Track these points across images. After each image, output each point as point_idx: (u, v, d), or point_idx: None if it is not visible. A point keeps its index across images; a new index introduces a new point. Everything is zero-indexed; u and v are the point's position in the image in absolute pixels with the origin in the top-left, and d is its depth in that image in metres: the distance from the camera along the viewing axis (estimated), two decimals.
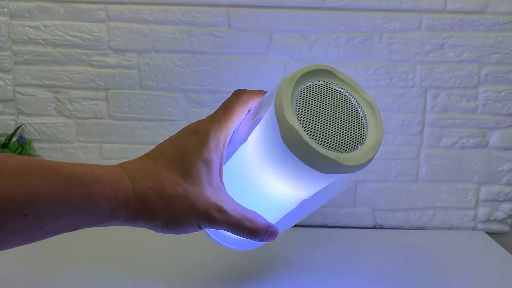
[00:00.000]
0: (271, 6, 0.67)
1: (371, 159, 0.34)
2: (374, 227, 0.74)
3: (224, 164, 0.38)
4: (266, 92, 0.40)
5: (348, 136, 0.34)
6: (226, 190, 0.38)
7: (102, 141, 0.71)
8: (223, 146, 0.36)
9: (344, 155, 0.33)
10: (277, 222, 0.41)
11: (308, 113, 0.34)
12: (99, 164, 0.34)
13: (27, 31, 0.68)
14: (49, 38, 0.68)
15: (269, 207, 0.39)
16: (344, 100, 0.36)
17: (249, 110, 0.40)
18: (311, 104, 0.34)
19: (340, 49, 0.68)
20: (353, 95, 0.37)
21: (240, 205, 0.37)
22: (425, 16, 0.68)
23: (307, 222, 0.72)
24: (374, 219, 0.73)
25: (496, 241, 0.68)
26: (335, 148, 0.33)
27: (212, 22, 0.68)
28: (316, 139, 0.33)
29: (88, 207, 0.31)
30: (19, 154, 0.67)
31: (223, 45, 0.68)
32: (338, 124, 0.34)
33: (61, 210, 0.29)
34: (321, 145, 0.33)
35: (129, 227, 0.35)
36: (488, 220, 0.73)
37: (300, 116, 0.33)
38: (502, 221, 0.73)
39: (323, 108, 0.34)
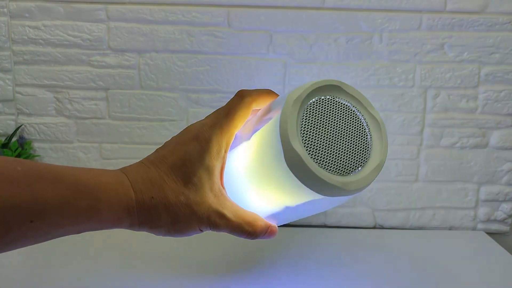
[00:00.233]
0: (271, 6, 0.67)
1: (373, 180, 0.34)
2: (374, 227, 0.74)
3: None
4: (268, 90, 0.40)
5: (352, 157, 0.34)
6: (226, 188, 0.38)
7: (102, 141, 0.71)
8: (225, 152, 0.37)
9: (346, 179, 0.33)
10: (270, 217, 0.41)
11: (313, 133, 0.33)
12: (103, 168, 0.35)
13: (27, 31, 0.68)
14: (49, 38, 0.68)
15: (260, 210, 0.40)
16: (351, 116, 0.36)
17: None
18: (317, 123, 0.34)
19: (340, 49, 0.68)
20: (361, 111, 0.36)
21: (240, 208, 0.38)
22: (425, 16, 0.68)
23: (307, 222, 0.72)
24: (374, 219, 0.73)
25: (496, 241, 0.68)
26: (338, 171, 0.34)
27: (212, 22, 0.68)
28: (319, 162, 0.33)
29: (93, 216, 0.31)
30: (19, 154, 0.67)
31: (223, 45, 0.68)
32: (343, 144, 0.34)
33: (67, 219, 0.30)
34: (325, 168, 0.33)
35: None
36: (488, 220, 0.73)
37: (304, 137, 0.33)
38: (502, 221, 0.73)
39: (328, 126, 0.34)
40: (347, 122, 0.35)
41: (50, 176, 0.30)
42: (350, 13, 0.67)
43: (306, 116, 0.34)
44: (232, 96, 0.39)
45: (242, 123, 0.38)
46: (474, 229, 0.73)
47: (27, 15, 0.67)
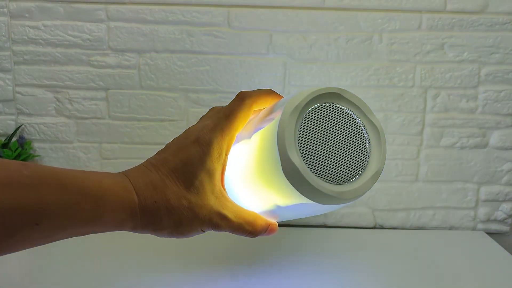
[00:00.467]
0: (271, 6, 0.67)
1: (371, 185, 0.35)
2: (374, 227, 0.74)
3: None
4: (269, 90, 0.40)
5: (349, 165, 0.34)
6: (226, 187, 0.39)
7: (102, 141, 0.71)
8: (226, 154, 0.37)
9: (343, 188, 0.34)
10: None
11: (311, 142, 0.34)
12: (106, 172, 0.35)
13: (27, 31, 0.68)
14: (49, 38, 0.68)
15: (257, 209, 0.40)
16: (350, 123, 0.35)
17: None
18: (315, 131, 0.34)
19: (340, 49, 0.68)
20: (360, 117, 0.36)
21: (241, 208, 0.39)
22: (425, 16, 0.68)
23: (307, 222, 0.72)
24: (374, 219, 0.73)
25: (496, 241, 0.68)
26: (335, 181, 0.34)
27: (212, 22, 0.68)
28: (316, 171, 0.33)
29: (96, 219, 0.32)
30: (19, 154, 0.67)
31: (223, 45, 0.68)
32: (341, 153, 0.34)
33: (71, 222, 0.31)
34: (321, 178, 0.33)
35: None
36: (488, 220, 0.73)
37: (302, 146, 0.33)
38: (502, 221, 0.73)
39: (327, 135, 0.34)
40: (346, 129, 0.35)
41: (55, 180, 0.30)
42: (350, 13, 0.67)
43: (304, 125, 0.34)
44: (232, 96, 0.39)
45: (243, 125, 0.38)
46: (474, 229, 0.73)
47: (27, 15, 0.67)
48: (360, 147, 0.35)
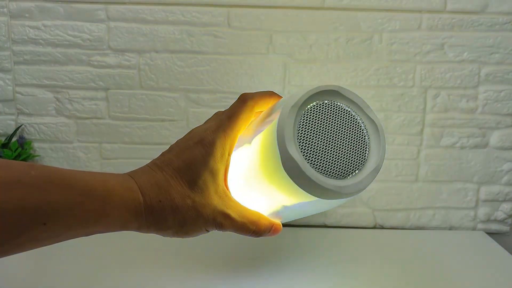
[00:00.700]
0: (271, 6, 0.67)
1: (371, 180, 0.35)
2: (374, 227, 0.74)
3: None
4: (270, 92, 0.40)
5: (349, 161, 0.35)
6: (230, 188, 0.39)
7: (102, 141, 0.71)
8: (229, 154, 0.38)
9: (343, 182, 0.34)
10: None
11: (310, 138, 0.34)
12: (111, 173, 0.36)
13: (27, 31, 0.68)
14: (49, 38, 0.68)
15: (266, 209, 0.40)
16: (349, 120, 0.36)
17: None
18: (314, 128, 0.34)
19: (340, 49, 0.68)
20: (359, 114, 0.36)
21: (245, 208, 0.39)
22: (425, 16, 0.68)
23: (307, 222, 0.72)
24: (374, 219, 0.73)
25: (496, 241, 0.68)
26: (335, 175, 0.34)
27: (212, 22, 0.68)
28: (316, 166, 0.34)
29: (101, 219, 0.32)
30: (19, 154, 0.67)
31: (223, 45, 0.68)
32: (340, 148, 0.35)
33: (77, 221, 0.31)
34: (321, 172, 0.34)
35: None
36: (488, 220, 0.73)
37: (301, 142, 0.34)
38: (502, 221, 0.73)
39: (326, 131, 0.35)
40: (345, 125, 0.36)
41: (61, 181, 0.31)
42: (350, 13, 0.67)
43: (303, 122, 0.34)
44: (232, 96, 0.41)
45: (245, 126, 0.39)
46: (474, 229, 0.73)
47: (27, 15, 0.67)
48: (359, 143, 0.36)
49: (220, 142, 0.37)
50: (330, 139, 0.35)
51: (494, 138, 0.71)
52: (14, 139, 0.69)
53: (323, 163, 0.34)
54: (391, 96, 0.69)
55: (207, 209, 0.36)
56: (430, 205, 0.73)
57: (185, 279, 0.53)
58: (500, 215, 0.73)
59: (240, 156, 0.39)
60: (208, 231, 0.38)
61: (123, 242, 0.62)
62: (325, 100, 0.36)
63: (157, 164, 0.37)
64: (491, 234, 0.72)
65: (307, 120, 0.34)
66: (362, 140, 0.36)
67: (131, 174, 0.36)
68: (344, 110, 0.36)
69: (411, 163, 0.71)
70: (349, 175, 0.35)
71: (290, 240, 0.65)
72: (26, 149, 0.69)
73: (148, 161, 0.39)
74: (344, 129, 0.35)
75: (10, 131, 0.69)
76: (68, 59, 0.69)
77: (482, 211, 0.73)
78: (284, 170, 0.33)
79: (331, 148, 0.34)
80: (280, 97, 0.41)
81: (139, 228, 0.35)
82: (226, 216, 0.37)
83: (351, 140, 0.35)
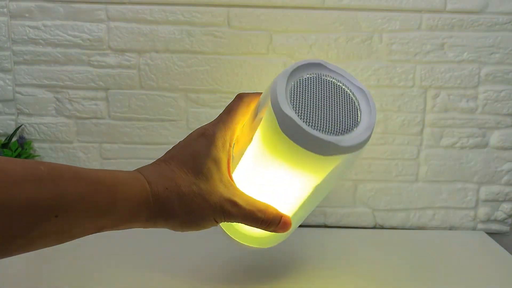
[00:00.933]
0: (271, 6, 0.67)
1: (367, 139, 0.36)
2: (374, 227, 0.74)
3: (234, 167, 0.40)
4: None
5: (342, 120, 0.36)
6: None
7: (102, 141, 0.71)
8: (230, 145, 0.39)
9: (340, 137, 0.35)
10: (293, 214, 0.42)
11: (302, 103, 0.35)
12: (112, 169, 0.36)
13: (27, 31, 0.68)
14: (49, 38, 0.68)
15: (283, 201, 0.41)
16: (337, 88, 0.38)
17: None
18: (305, 95, 0.36)
19: (340, 49, 0.68)
20: (345, 84, 0.38)
21: (252, 197, 0.39)
22: (425, 16, 0.68)
23: (307, 222, 0.72)
24: (374, 219, 0.73)
25: (496, 241, 0.68)
26: (331, 132, 0.35)
27: (212, 22, 0.68)
28: (312, 125, 0.35)
29: (112, 208, 0.33)
30: (19, 154, 0.67)
31: (223, 45, 0.68)
32: (332, 110, 0.36)
33: (88, 212, 0.32)
34: (318, 130, 0.35)
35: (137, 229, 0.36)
36: (488, 220, 0.73)
37: (295, 106, 0.35)
38: (502, 221, 0.73)
39: (317, 97, 0.36)
40: (334, 93, 0.37)
41: (71, 174, 0.32)
42: (350, 13, 0.67)
43: (294, 90, 0.36)
44: (232, 96, 0.41)
45: (243, 119, 0.40)
46: (474, 229, 0.73)
47: (27, 15, 0.67)
48: (349, 106, 0.37)
49: (221, 133, 0.38)
50: (322, 103, 0.36)
51: (494, 138, 0.71)
52: (14, 139, 0.69)
53: (318, 122, 0.35)
54: (391, 96, 0.69)
55: (213, 196, 0.37)
56: (430, 205, 0.73)
57: (184, 280, 0.53)
58: (500, 215, 0.73)
59: (245, 158, 0.40)
60: (216, 221, 0.38)
61: (123, 243, 0.62)
62: (312, 74, 0.37)
63: (162, 159, 0.38)
64: (491, 234, 0.72)
65: (297, 87, 0.36)
66: (351, 104, 0.37)
67: (137, 169, 0.37)
68: (330, 81, 0.38)
69: (411, 163, 0.71)
70: (345, 132, 0.35)
71: (290, 240, 0.65)
72: (26, 149, 0.69)
73: (148, 161, 0.39)
74: (334, 96, 0.37)
75: (10, 131, 0.69)
76: (68, 59, 0.69)
77: (482, 211, 0.73)
78: (282, 132, 0.34)
79: (323, 110, 0.36)
80: None
81: (147, 219, 0.35)
82: (233, 203, 0.37)
83: (341, 104, 0.37)
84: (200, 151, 0.38)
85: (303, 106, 0.35)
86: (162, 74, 0.69)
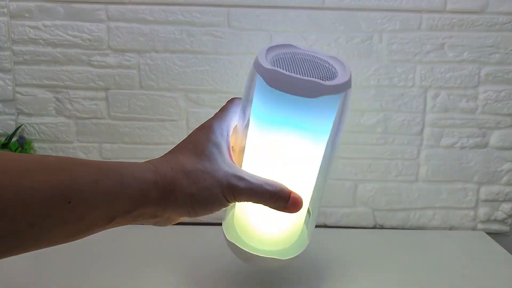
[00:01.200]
0: (271, 6, 0.67)
1: (348, 82, 0.39)
2: (374, 227, 0.74)
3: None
4: None
5: (321, 73, 0.39)
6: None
7: (102, 141, 0.71)
8: (227, 134, 0.41)
9: (323, 80, 0.38)
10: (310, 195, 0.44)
11: (284, 67, 0.38)
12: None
13: (27, 31, 0.68)
14: (49, 38, 0.68)
15: (292, 179, 0.42)
16: (311, 57, 0.42)
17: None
18: (284, 63, 0.39)
19: (340, 49, 0.68)
20: (317, 54, 0.42)
21: (259, 176, 0.40)
22: (425, 16, 0.68)
23: None
24: (374, 219, 0.73)
25: (496, 241, 0.68)
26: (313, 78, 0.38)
27: (212, 22, 0.68)
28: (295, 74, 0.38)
29: (122, 191, 0.34)
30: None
31: (223, 45, 0.68)
32: (311, 70, 0.39)
33: (99, 197, 0.32)
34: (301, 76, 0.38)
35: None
36: (488, 220, 0.73)
37: (275, 65, 0.39)
38: (502, 221, 0.73)
39: (295, 64, 0.39)
40: (309, 61, 0.41)
41: (79, 161, 0.33)
42: (350, 13, 0.67)
43: (274, 60, 0.39)
44: (232, 96, 0.43)
45: (236, 115, 0.43)
46: (474, 229, 0.73)
47: (27, 15, 0.67)
48: (324, 66, 0.41)
49: (217, 124, 0.41)
50: (300, 67, 0.39)
51: (494, 138, 0.71)
52: (14, 139, 0.69)
53: (301, 73, 0.38)
54: (391, 96, 0.69)
55: (219, 173, 0.37)
56: (430, 205, 0.73)
57: (185, 281, 0.53)
58: (500, 215, 0.73)
59: (246, 152, 0.42)
60: (226, 199, 0.38)
61: (122, 244, 0.62)
62: (286, 50, 0.42)
63: (165, 153, 0.40)
64: (491, 234, 0.72)
65: (275, 62, 0.39)
66: (326, 65, 0.41)
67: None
68: (304, 55, 0.42)
69: (411, 163, 0.71)
70: (326, 79, 0.38)
71: None
72: (26, 149, 0.69)
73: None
74: (309, 62, 0.40)
75: (10, 131, 0.69)
76: (68, 59, 0.69)
77: (482, 211, 0.73)
78: (271, 87, 0.37)
79: (302, 70, 0.38)
80: None
81: (157, 202, 0.35)
82: (240, 178, 0.38)
83: (317, 66, 0.40)
84: (200, 139, 0.39)
85: (285, 68, 0.38)
86: (162, 74, 0.69)
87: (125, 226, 0.36)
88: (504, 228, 0.74)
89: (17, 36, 0.68)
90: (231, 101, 0.43)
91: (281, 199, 0.38)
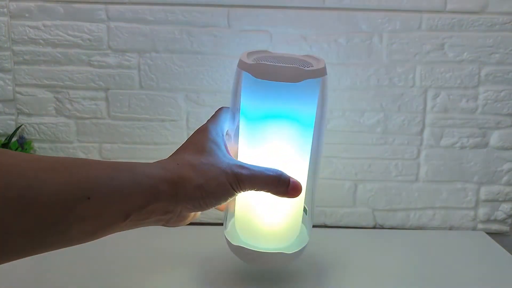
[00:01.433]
0: (271, 6, 0.67)
1: (324, 69, 0.43)
2: (374, 227, 0.74)
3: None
4: None
5: (300, 64, 0.44)
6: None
7: (102, 141, 0.71)
8: (222, 135, 0.44)
9: (303, 67, 0.42)
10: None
11: (265, 62, 0.43)
12: None
13: (27, 31, 0.68)
14: (49, 38, 0.68)
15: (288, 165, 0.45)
16: (287, 55, 0.47)
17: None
18: (266, 60, 0.44)
19: (340, 49, 0.68)
20: (292, 55, 0.47)
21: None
22: (425, 16, 0.68)
23: None
24: (374, 219, 0.73)
25: (496, 241, 0.68)
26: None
27: (212, 22, 0.68)
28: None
29: (134, 188, 0.35)
30: None
31: (223, 45, 0.68)
32: (290, 62, 0.44)
33: (116, 193, 0.34)
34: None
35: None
36: (488, 220, 0.73)
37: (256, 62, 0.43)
38: (502, 221, 0.73)
39: (275, 61, 0.44)
40: (287, 58, 0.46)
41: (93, 161, 0.35)
42: (350, 13, 0.67)
43: (256, 60, 0.44)
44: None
45: (226, 120, 0.46)
46: (474, 229, 0.73)
47: (27, 15, 0.67)
48: (301, 60, 0.45)
49: (212, 126, 0.44)
50: (280, 62, 0.44)
51: (494, 138, 0.71)
52: (14, 139, 0.69)
53: (282, 63, 0.43)
54: (391, 96, 0.70)
55: (222, 164, 0.40)
56: (430, 205, 0.73)
57: (185, 281, 0.53)
58: (500, 215, 0.73)
59: (240, 152, 0.46)
60: (233, 188, 0.40)
61: (124, 244, 0.62)
62: (264, 54, 0.47)
63: (169, 156, 0.42)
64: (491, 234, 0.72)
65: (257, 59, 0.45)
66: (302, 59, 0.46)
67: None
68: (281, 54, 0.48)
69: (411, 163, 0.71)
70: (304, 67, 0.42)
71: None
72: (26, 149, 0.69)
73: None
74: (287, 58, 0.46)
75: (10, 131, 0.69)
76: (68, 59, 0.69)
77: (482, 211, 0.73)
78: (257, 78, 0.41)
79: (282, 63, 0.43)
80: None
81: (170, 195, 0.37)
82: (242, 167, 0.40)
83: (295, 61, 0.45)
84: (200, 139, 0.42)
85: (267, 62, 0.43)
86: (162, 74, 0.69)
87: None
88: (504, 228, 0.74)
89: (17, 36, 0.68)
90: (219, 110, 0.47)
91: (282, 183, 0.41)
